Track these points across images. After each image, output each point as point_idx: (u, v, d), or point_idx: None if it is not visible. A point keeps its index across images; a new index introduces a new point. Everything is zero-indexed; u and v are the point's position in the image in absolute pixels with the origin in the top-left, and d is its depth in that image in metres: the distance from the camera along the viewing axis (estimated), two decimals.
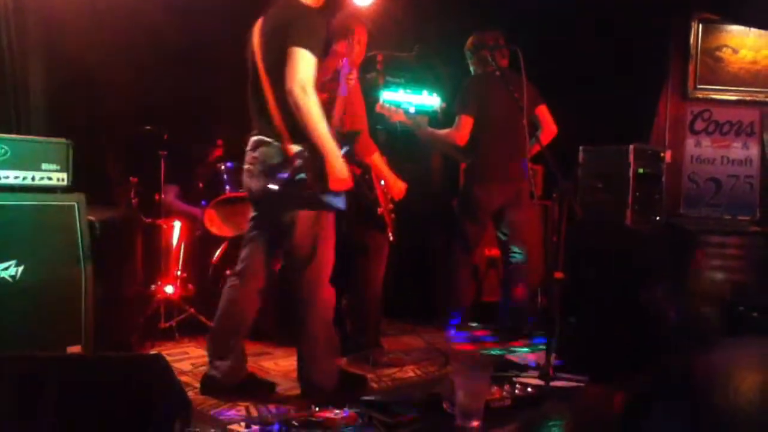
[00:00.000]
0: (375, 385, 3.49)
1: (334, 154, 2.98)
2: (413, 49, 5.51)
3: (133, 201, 4.57)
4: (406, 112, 4.43)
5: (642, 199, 4.51)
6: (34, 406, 2.20)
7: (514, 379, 3.36)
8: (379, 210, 3.28)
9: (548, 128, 4.55)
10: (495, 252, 5.11)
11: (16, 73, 3.95)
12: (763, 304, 4.11)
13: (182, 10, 4.62)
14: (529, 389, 3.11)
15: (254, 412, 3.04)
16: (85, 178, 3.48)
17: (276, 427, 2.74)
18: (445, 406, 2.89)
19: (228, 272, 4.37)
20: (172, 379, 2.43)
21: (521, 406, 2.98)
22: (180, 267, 4.39)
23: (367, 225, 3.71)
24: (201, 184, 4.73)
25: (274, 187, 2.97)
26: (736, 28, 5.59)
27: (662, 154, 4.87)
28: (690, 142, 5.64)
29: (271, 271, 3.30)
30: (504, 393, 3.00)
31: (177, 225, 4.47)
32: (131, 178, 4.59)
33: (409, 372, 3.77)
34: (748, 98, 5.61)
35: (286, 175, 2.97)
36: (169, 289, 4.23)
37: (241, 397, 3.16)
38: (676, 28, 5.58)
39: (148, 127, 4.29)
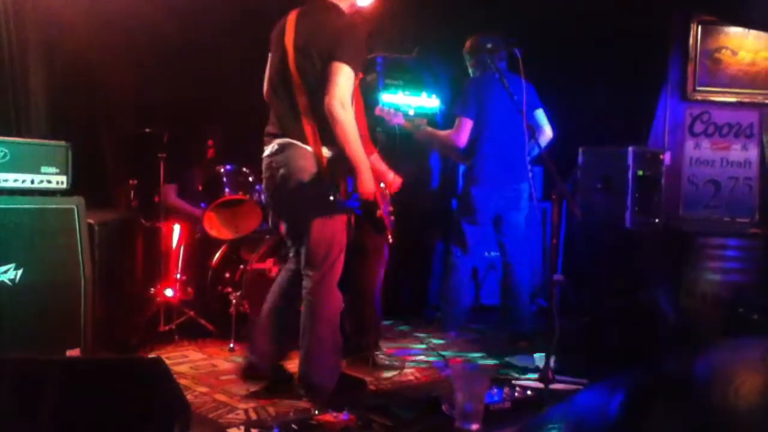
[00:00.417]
0: (374, 388, 3.49)
1: (366, 166, 3.04)
2: (413, 51, 5.52)
3: (133, 203, 4.57)
4: (405, 115, 4.43)
5: (641, 200, 4.51)
6: (33, 409, 2.20)
7: (514, 381, 3.36)
8: (378, 212, 3.28)
9: (545, 132, 4.56)
10: (494, 254, 5.11)
11: (15, 74, 3.96)
12: (762, 306, 4.10)
13: (181, 12, 4.63)
14: (529, 392, 3.11)
15: (253, 416, 3.04)
16: (84, 179, 3.49)
17: (275, 430, 2.74)
18: (444, 408, 2.90)
19: (227, 275, 4.39)
20: (171, 382, 2.42)
21: (521, 408, 2.98)
22: (179, 270, 4.38)
23: (366, 226, 3.71)
24: (200, 187, 4.72)
25: (332, 198, 3.02)
26: (734, 30, 5.59)
27: (661, 156, 4.87)
28: (689, 144, 5.64)
29: None
30: (504, 396, 3.00)
31: (176, 228, 4.47)
32: (131, 180, 4.59)
33: (409, 375, 3.77)
34: (747, 100, 5.61)
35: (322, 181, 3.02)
36: (168, 292, 4.22)
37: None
38: (675, 30, 5.58)
39: (148, 129, 4.28)
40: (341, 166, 3.04)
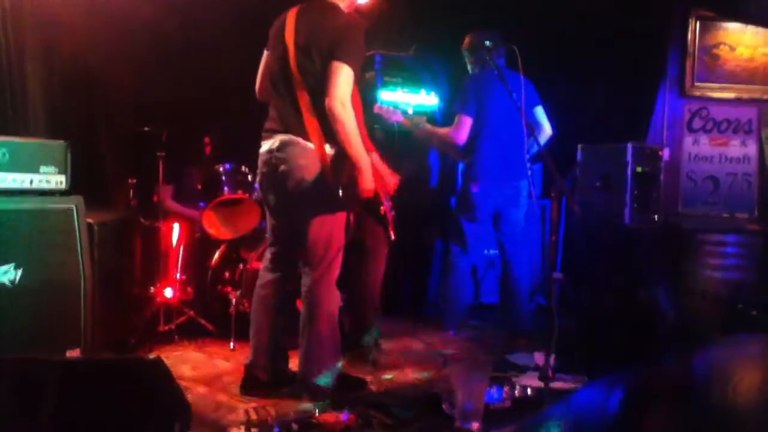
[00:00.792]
0: (374, 387, 3.49)
1: (367, 164, 3.07)
2: (411, 49, 5.51)
3: (132, 203, 4.57)
4: (404, 113, 4.43)
5: (640, 197, 4.50)
6: (33, 410, 2.20)
7: (514, 380, 3.37)
8: (382, 209, 3.29)
9: (545, 129, 4.56)
10: (493, 252, 5.11)
11: (13, 74, 3.95)
12: (762, 302, 4.11)
13: (180, 11, 4.63)
14: (529, 390, 3.12)
15: (254, 416, 3.04)
16: (83, 179, 3.48)
17: (276, 429, 2.74)
18: (444, 407, 2.90)
19: (227, 274, 4.39)
20: (171, 382, 2.43)
21: (521, 407, 2.99)
22: (179, 269, 4.38)
23: (366, 225, 3.71)
24: (199, 186, 4.72)
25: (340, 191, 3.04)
26: (733, 26, 5.59)
27: (660, 153, 4.87)
28: (688, 140, 5.64)
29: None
30: (504, 394, 3.01)
31: (176, 227, 4.46)
32: (130, 180, 4.58)
33: (409, 373, 3.77)
34: (745, 96, 5.61)
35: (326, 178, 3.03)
36: (168, 292, 4.22)
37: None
38: (673, 26, 5.58)
39: (147, 128, 4.28)
40: (343, 163, 3.05)
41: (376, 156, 3.83)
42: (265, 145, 3.19)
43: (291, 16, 3.17)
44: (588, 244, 4.68)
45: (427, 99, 5.44)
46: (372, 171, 3.12)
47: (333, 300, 3.21)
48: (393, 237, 3.40)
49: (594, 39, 5.18)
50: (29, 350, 2.97)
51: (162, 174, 4.32)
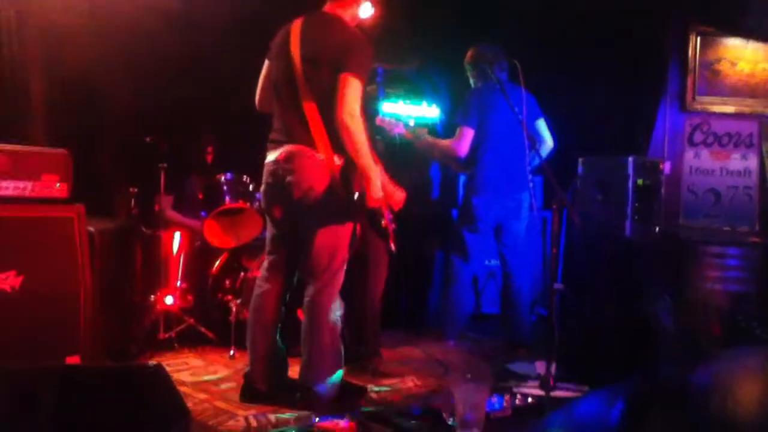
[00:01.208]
0: (374, 396, 3.48)
1: (376, 174, 3.08)
2: (413, 62, 5.54)
3: (133, 211, 4.58)
4: (406, 125, 4.45)
5: (641, 210, 4.51)
6: (32, 417, 2.20)
7: (515, 389, 3.36)
8: (383, 222, 3.30)
9: (546, 142, 4.57)
10: (494, 263, 5.11)
11: (16, 83, 3.97)
12: (762, 315, 4.10)
13: (181, 22, 4.65)
14: (530, 399, 3.11)
15: (254, 423, 3.03)
16: (84, 187, 3.49)
17: None
18: (445, 416, 2.89)
19: (228, 283, 4.39)
20: (171, 389, 2.43)
21: (522, 416, 2.98)
22: (180, 278, 4.39)
23: (367, 235, 3.71)
24: (200, 195, 4.73)
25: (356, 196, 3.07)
26: (733, 41, 5.62)
27: (661, 166, 4.88)
28: (689, 153, 5.65)
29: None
30: (505, 403, 3.00)
31: (177, 236, 4.47)
32: (131, 188, 4.59)
33: (409, 382, 3.76)
34: (746, 110, 5.62)
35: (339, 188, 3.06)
36: (168, 300, 4.22)
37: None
38: (674, 41, 5.60)
39: (148, 138, 4.30)
40: (352, 174, 3.07)
41: (380, 169, 3.85)
42: (271, 156, 3.19)
43: (295, 28, 3.19)
44: (589, 256, 4.68)
45: (428, 111, 5.46)
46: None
47: (335, 310, 3.21)
48: (393, 249, 3.40)
49: (596, 54, 5.20)
50: (29, 357, 2.97)
51: (163, 184, 4.33)
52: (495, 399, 3.02)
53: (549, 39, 5.11)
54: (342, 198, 3.07)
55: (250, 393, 3.28)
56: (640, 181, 4.51)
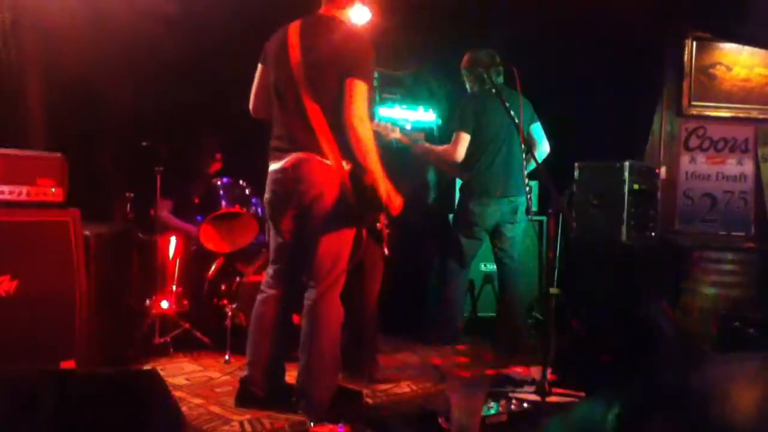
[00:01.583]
0: (370, 401, 3.47)
1: (384, 178, 3.08)
2: (409, 66, 5.54)
3: (129, 216, 4.56)
4: (402, 129, 4.45)
5: (637, 215, 4.52)
6: (27, 422, 2.19)
7: (510, 394, 3.35)
8: (379, 225, 3.29)
9: (542, 146, 4.58)
10: (491, 267, 5.11)
11: (13, 86, 3.96)
12: (759, 320, 4.11)
13: (180, 24, 4.64)
14: (526, 405, 3.10)
15: (248, 428, 3.02)
16: (81, 192, 3.48)
17: None
18: (440, 421, 2.89)
19: (223, 287, 4.39)
20: (166, 394, 2.42)
21: (517, 421, 2.97)
22: (175, 282, 4.37)
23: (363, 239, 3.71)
24: (197, 200, 4.72)
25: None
26: (729, 46, 5.64)
27: (657, 171, 4.89)
28: (685, 158, 5.67)
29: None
30: (500, 408, 2.99)
31: (173, 240, 4.46)
32: (127, 193, 4.58)
33: (405, 388, 3.75)
34: (742, 115, 5.64)
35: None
36: (164, 304, 4.21)
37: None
38: (670, 47, 5.62)
39: (145, 143, 4.29)
40: (360, 178, 3.06)
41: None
42: (276, 165, 3.15)
43: (293, 32, 3.15)
44: (585, 261, 4.69)
45: (425, 116, 5.47)
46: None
47: (336, 315, 3.19)
48: (387, 253, 3.40)
49: (592, 59, 5.21)
50: (24, 362, 2.95)
51: (160, 188, 4.32)
52: (491, 404, 3.01)
53: (545, 44, 5.12)
54: (350, 203, 3.06)
55: (246, 398, 3.27)
56: (636, 186, 4.52)
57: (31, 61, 4.08)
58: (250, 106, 3.38)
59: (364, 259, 3.83)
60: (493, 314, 5.03)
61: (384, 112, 5.22)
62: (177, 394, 3.32)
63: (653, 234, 4.61)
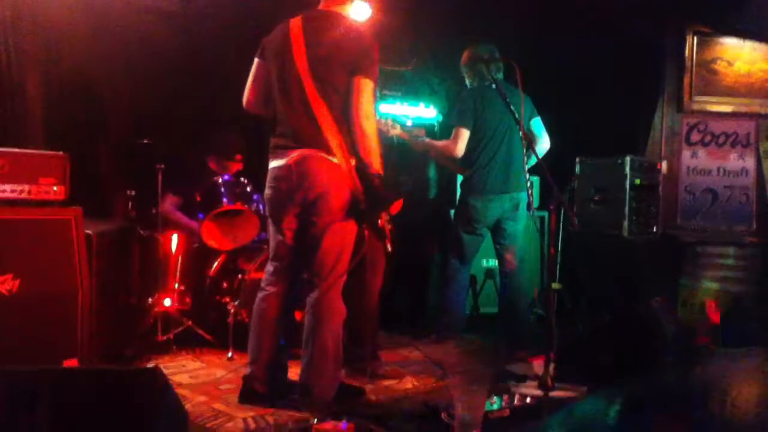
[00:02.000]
0: (373, 397, 3.48)
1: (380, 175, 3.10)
2: (410, 63, 5.54)
3: (131, 213, 4.57)
4: (403, 126, 4.44)
5: (639, 210, 4.52)
6: (29, 420, 2.19)
7: (513, 389, 3.35)
8: (380, 222, 3.30)
9: (542, 141, 4.58)
10: (492, 263, 5.12)
11: (13, 85, 3.97)
12: (760, 314, 4.11)
13: (180, 22, 4.65)
14: (528, 400, 3.11)
15: (252, 425, 3.03)
16: (82, 189, 3.49)
17: None
18: (443, 417, 2.89)
19: (225, 285, 4.39)
20: (169, 391, 2.42)
21: (520, 416, 2.97)
22: (177, 279, 4.38)
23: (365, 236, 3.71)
24: (198, 197, 4.72)
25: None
26: (730, 41, 5.63)
27: (658, 166, 4.89)
28: (686, 153, 5.66)
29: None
30: (503, 403, 3.00)
31: (174, 237, 4.47)
32: (129, 190, 4.58)
33: (407, 384, 3.76)
34: (743, 110, 5.63)
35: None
36: (166, 302, 4.22)
37: None
38: (671, 41, 5.61)
39: (146, 141, 4.29)
40: (364, 175, 3.07)
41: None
42: (279, 161, 3.13)
43: (295, 28, 3.13)
44: (586, 256, 4.69)
45: (425, 112, 5.47)
46: None
47: (339, 312, 3.19)
48: (390, 249, 3.41)
49: (593, 54, 5.21)
50: (26, 360, 2.96)
51: (167, 185, 4.33)
52: (493, 399, 3.02)
53: (546, 39, 5.12)
54: (358, 200, 3.07)
55: (249, 395, 3.27)
56: (637, 181, 4.52)
57: (32, 61, 4.09)
58: (244, 100, 3.33)
59: (365, 256, 3.84)
60: (495, 310, 5.03)
61: (385, 108, 5.21)
62: (180, 391, 3.32)
63: (654, 229, 4.61)
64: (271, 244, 3.34)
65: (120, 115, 4.78)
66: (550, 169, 3.62)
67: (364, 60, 3.05)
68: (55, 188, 3.26)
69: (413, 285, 5.36)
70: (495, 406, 2.97)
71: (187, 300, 4.40)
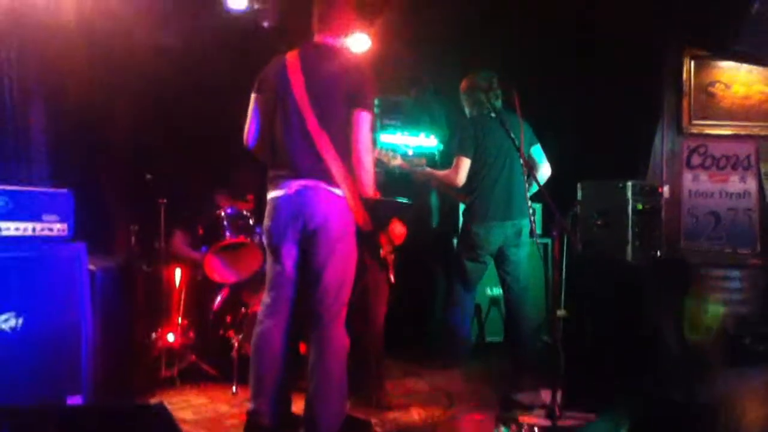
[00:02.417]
0: (379, 429, 3.45)
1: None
2: (410, 92, 5.58)
3: (134, 248, 4.57)
4: (404, 156, 4.46)
5: (642, 234, 4.50)
6: None
7: (521, 419, 3.32)
8: (382, 252, 3.30)
9: (543, 168, 4.59)
10: (497, 291, 5.10)
11: (17, 121, 4.00)
12: (765, 336, 4.08)
13: (184, 58, 4.69)
14: (536, 429, 3.08)
15: None
16: (85, 224, 3.49)
17: None
18: None
19: (229, 318, 4.38)
20: (173, 428, 2.41)
21: None
22: (181, 314, 4.37)
23: (367, 265, 3.71)
24: (201, 230, 4.73)
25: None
26: (727, 64, 5.66)
27: (660, 189, 4.88)
28: (687, 176, 5.66)
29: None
30: None
31: (177, 271, 4.46)
32: (132, 225, 4.59)
33: (414, 415, 3.73)
34: (742, 132, 5.64)
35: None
36: (170, 337, 4.21)
37: None
38: (668, 65, 5.65)
39: (149, 176, 4.32)
40: (367, 202, 3.13)
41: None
42: (279, 192, 3.15)
43: (292, 61, 3.17)
44: (591, 282, 4.67)
45: (426, 141, 5.49)
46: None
47: (343, 342, 3.18)
48: (392, 280, 3.40)
49: (592, 79, 5.24)
50: (30, 397, 2.95)
51: (173, 220, 4.34)
52: (501, 430, 2.99)
53: (545, 66, 5.16)
54: (354, 230, 3.09)
55: (254, 429, 3.24)
56: (639, 206, 4.52)
57: (36, 97, 4.13)
58: (244, 137, 3.31)
59: (368, 285, 3.83)
60: (501, 338, 5.00)
61: (385, 138, 5.24)
62: (185, 428, 3.31)
63: (658, 253, 4.59)
64: (268, 274, 3.30)
65: (123, 151, 4.81)
66: (552, 195, 3.62)
67: (361, 93, 3.09)
68: (58, 225, 3.26)
69: (417, 313, 5.33)
70: None
71: (191, 334, 4.39)
